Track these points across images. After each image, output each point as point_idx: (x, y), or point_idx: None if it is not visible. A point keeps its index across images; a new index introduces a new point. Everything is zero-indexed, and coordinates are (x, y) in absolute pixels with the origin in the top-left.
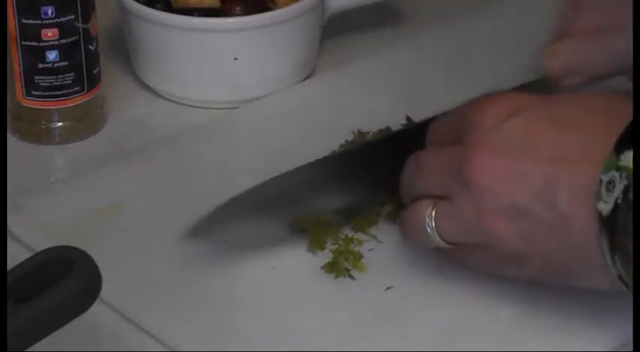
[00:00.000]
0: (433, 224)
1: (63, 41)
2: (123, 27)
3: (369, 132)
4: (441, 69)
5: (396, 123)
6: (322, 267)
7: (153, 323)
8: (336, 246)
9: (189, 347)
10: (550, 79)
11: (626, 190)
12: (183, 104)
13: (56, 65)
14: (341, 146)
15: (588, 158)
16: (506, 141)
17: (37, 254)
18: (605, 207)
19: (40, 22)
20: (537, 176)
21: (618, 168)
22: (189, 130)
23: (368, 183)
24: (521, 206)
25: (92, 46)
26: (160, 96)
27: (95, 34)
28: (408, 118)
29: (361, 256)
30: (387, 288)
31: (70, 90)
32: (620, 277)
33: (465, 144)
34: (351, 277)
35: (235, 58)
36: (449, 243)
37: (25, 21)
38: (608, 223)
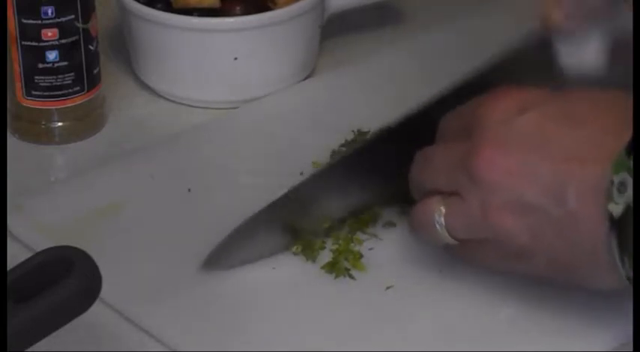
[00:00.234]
0: (442, 220)
1: (63, 41)
2: (123, 27)
3: (369, 132)
4: (441, 69)
5: None
6: (322, 267)
7: (153, 323)
8: (336, 246)
9: (189, 347)
10: (550, 30)
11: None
12: (183, 104)
13: (56, 65)
14: (341, 146)
15: (599, 156)
16: (516, 137)
17: (37, 254)
18: (616, 209)
19: (40, 22)
20: (547, 172)
21: (630, 170)
22: (189, 130)
23: (368, 187)
24: (529, 202)
25: (92, 46)
26: (160, 96)
27: (95, 34)
28: None
29: (361, 256)
30: (387, 288)
31: (70, 90)
32: (629, 279)
33: (473, 139)
34: (351, 277)
35: (235, 58)
36: (457, 240)
37: (25, 21)
38: (619, 224)
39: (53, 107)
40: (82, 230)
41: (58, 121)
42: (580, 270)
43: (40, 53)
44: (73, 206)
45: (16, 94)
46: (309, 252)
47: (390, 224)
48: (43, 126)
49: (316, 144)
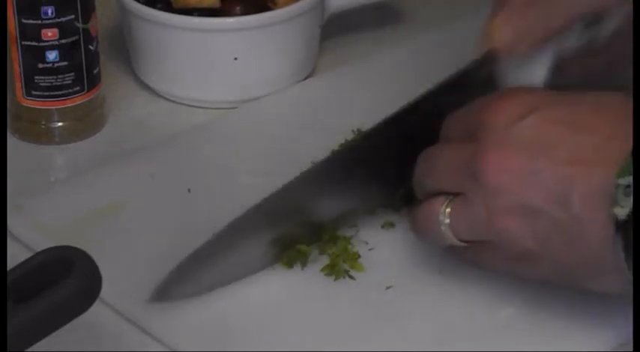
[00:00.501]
0: (447, 221)
1: (63, 41)
2: (123, 27)
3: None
4: (441, 69)
5: None
6: (321, 270)
7: (153, 323)
8: (334, 249)
9: (189, 347)
10: (494, 55)
11: None
12: (183, 104)
13: (56, 65)
14: (341, 146)
15: (604, 160)
16: (521, 139)
17: (37, 254)
18: (622, 212)
19: (40, 22)
20: (552, 176)
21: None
22: (189, 130)
23: (364, 187)
24: (534, 205)
25: (92, 46)
26: (160, 96)
27: (95, 34)
28: None
29: (358, 256)
30: (387, 288)
31: (70, 90)
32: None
33: (479, 141)
34: (351, 277)
35: (235, 58)
36: (462, 241)
37: (25, 21)
38: (624, 228)
39: (53, 107)
40: (82, 230)
41: (58, 121)
42: (585, 274)
43: (40, 53)
44: (73, 206)
45: (16, 94)
46: (302, 258)
47: (390, 224)
48: (43, 126)
49: (316, 144)
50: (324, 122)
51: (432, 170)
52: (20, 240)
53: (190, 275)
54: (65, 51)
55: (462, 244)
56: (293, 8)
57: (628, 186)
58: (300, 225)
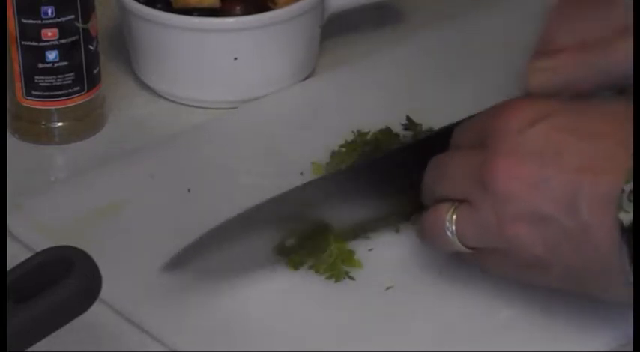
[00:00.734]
0: (453, 228)
1: (63, 41)
2: (123, 27)
3: (369, 132)
4: (441, 69)
5: (396, 123)
6: (322, 272)
7: (153, 323)
8: (331, 252)
9: (189, 347)
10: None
11: None
12: (183, 104)
13: (56, 65)
14: (341, 146)
15: (611, 168)
16: (530, 147)
17: (37, 254)
18: (627, 217)
19: (40, 22)
20: (560, 183)
21: None
22: (189, 130)
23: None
24: (544, 212)
25: (92, 46)
26: (160, 96)
27: (95, 34)
28: (409, 118)
29: (353, 253)
30: (387, 288)
31: (70, 91)
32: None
33: (488, 148)
34: (351, 278)
35: (235, 58)
36: (468, 248)
37: (25, 21)
38: (629, 233)
39: (53, 107)
40: (82, 230)
41: (58, 121)
42: (594, 281)
43: (40, 53)
44: (73, 206)
45: (16, 94)
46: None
47: (395, 229)
48: (43, 126)
49: (316, 144)
50: (324, 122)
51: (442, 177)
52: (20, 240)
53: (206, 251)
54: (65, 51)
55: (468, 251)
56: (293, 8)
57: (632, 192)
58: (311, 234)
